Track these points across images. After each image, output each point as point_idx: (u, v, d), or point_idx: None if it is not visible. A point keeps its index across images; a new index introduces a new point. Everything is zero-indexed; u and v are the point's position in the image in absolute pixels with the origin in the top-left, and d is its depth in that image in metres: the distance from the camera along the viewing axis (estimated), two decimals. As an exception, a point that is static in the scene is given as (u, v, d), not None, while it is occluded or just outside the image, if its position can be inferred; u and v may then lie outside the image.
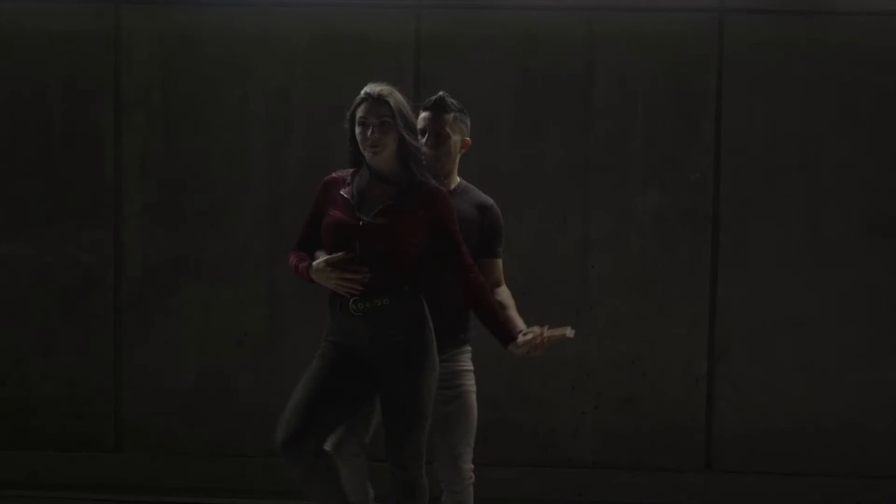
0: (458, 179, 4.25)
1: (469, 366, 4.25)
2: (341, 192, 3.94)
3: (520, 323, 4.03)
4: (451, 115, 4.13)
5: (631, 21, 5.67)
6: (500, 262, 4.22)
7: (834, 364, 5.69)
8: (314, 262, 3.89)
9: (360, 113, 3.88)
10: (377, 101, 3.86)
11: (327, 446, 3.96)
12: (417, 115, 4.05)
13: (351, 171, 4.00)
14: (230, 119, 5.81)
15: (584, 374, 5.76)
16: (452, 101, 4.15)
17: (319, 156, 5.76)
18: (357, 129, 3.89)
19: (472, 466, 4.24)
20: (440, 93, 4.15)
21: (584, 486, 5.76)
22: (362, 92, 3.90)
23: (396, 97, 3.88)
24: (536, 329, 3.90)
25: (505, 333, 3.94)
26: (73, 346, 5.86)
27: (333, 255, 3.86)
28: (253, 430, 5.83)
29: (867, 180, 5.67)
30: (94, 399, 5.87)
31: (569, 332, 3.92)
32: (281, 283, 5.79)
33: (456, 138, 4.15)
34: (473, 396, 4.23)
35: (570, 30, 5.69)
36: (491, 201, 4.25)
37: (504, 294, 4.16)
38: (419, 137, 4.01)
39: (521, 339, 3.90)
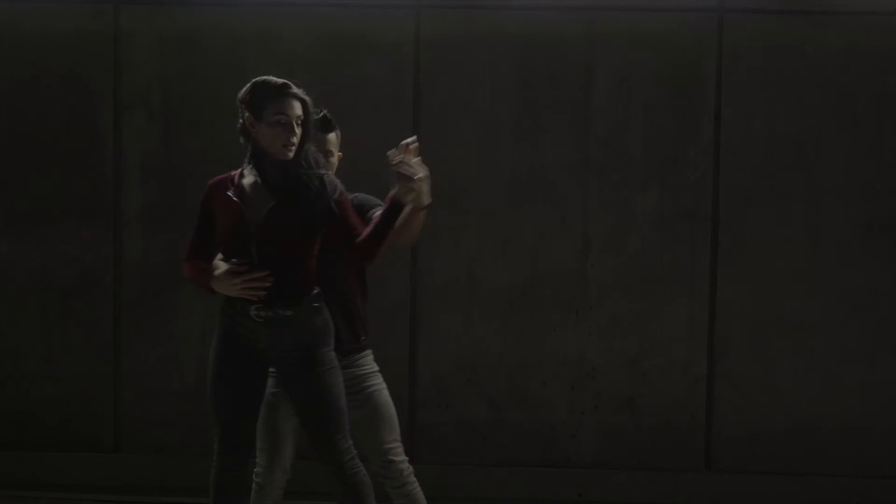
0: None
1: (373, 367, 4.28)
2: (228, 195, 3.90)
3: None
4: (334, 134, 4.18)
5: (631, 21, 5.67)
6: None
7: (834, 364, 5.69)
8: (215, 273, 3.87)
9: (278, 108, 3.85)
10: (299, 98, 3.87)
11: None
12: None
13: (235, 172, 3.97)
14: (230, 119, 5.72)
15: (584, 374, 5.76)
16: (331, 117, 4.18)
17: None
18: (277, 127, 3.84)
19: (406, 458, 4.30)
20: (324, 111, 4.14)
21: (584, 486, 5.76)
22: (279, 86, 3.87)
23: (302, 92, 3.91)
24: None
25: (391, 206, 3.86)
26: (73, 346, 5.86)
27: (232, 264, 3.83)
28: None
29: (867, 180, 5.66)
30: (94, 399, 5.88)
31: (410, 142, 3.84)
32: (281, 283, 5.79)
33: (337, 154, 4.22)
34: (385, 393, 4.26)
35: (570, 30, 5.69)
36: (358, 194, 4.26)
37: None
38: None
39: (395, 192, 3.82)
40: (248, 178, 3.93)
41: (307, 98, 3.91)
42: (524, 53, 5.71)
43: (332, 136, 4.19)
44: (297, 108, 3.87)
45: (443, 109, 5.73)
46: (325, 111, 4.14)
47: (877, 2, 5.62)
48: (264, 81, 3.93)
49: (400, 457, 4.28)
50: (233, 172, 4.00)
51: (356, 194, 4.23)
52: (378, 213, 3.94)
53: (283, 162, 3.88)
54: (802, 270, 5.68)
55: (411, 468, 4.30)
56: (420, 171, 3.82)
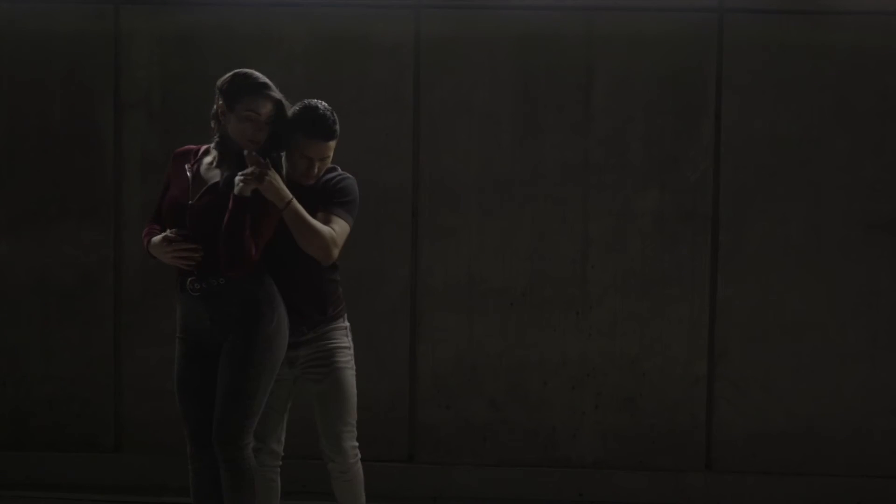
0: None
1: (343, 342, 4.27)
2: (185, 167, 4.05)
3: None
4: (335, 141, 4.16)
5: (631, 21, 5.67)
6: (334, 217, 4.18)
7: (834, 364, 5.69)
8: (153, 240, 3.99)
9: (250, 105, 3.92)
10: (269, 97, 3.95)
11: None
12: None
13: (201, 147, 4.09)
14: (230, 119, 5.80)
15: (584, 374, 5.76)
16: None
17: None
18: (246, 123, 3.91)
19: (356, 444, 4.31)
20: (332, 118, 4.12)
21: (584, 486, 5.76)
22: (256, 84, 3.94)
23: (279, 94, 3.98)
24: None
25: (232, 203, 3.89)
26: (73, 346, 5.86)
27: (168, 232, 3.95)
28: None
29: (867, 180, 5.66)
30: (94, 399, 5.88)
31: None
32: (281, 284, 5.80)
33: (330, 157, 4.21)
34: (349, 373, 4.27)
35: (570, 30, 5.69)
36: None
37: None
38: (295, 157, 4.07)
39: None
40: (208, 158, 4.07)
41: (283, 101, 4.00)
42: (524, 53, 5.71)
43: (333, 144, 4.17)
44: (269, 108, 3.95)
45: (443, 109, 5.73)
46: (333, 119, 4.14)
47: (877, 2, 5.62)
48: (244, 75, 4.02)
49: (350, 442, 4.29)
50: (199, 147, 4.12)
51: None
52: None
53: (235, 152, 3.99)
54: (802, 270, 5.68)
55: (359, 455, 4.31)
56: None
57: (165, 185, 4.13)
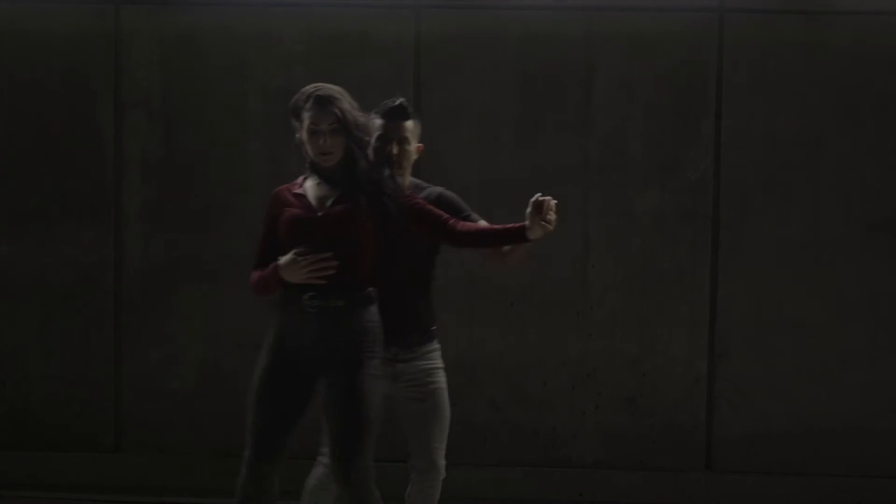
0: (411, 179, 4.24)
1: (439, 363, 4.30)
2: (294, 192, 3.98)
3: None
4: (411, 122, 4.16)
5: (631, 21, 5.67)
6: (482, 221, 4.19)
7: (834, 364, 5.69)
8: (282, 260, 3.87)
9: (310, 119, 3.88)
10: (326, 107, 3.87)
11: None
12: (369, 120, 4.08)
13: (298, 179, 4.03)
14: (230, 119, 5.81)
15: (585, 374, 5.76)
16: (409, 105, 4.18)
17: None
18: (308, 136, 3.89)
19: (444, 463, 4.33)
20: (399, 99, 4.15)
21: (584, 486, 5.76)
22: (308, 95, 3.90)
23: (345, 103, 3.91)
24: (530, 202, 3.86)
25: (516, 231, 3.89)
26: (73, 346, 5.86)
27: (300, 248, 3.84)
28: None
29: (867, 180, 5.67)
30: (94, 399, 5.87)
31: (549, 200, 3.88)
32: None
33: (414, 144, 4.18)
34: (445, 394, 4.28)
35: (570, 30, 5.69)
36: (440, 189, 4.28)
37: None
38: (373, 142, 4.04)
39: (527, 222, 3.84)
40: (310, 182, 4.00)
41: (339, 104, 3.90)
42: (524, 53, 5.71)
43: (409, 124, 4.15)
44: (329, 119, 3.87)
45: (443, 109, 5.73)
46: (401, 99, 4.15)
47: (877, 2, 5.63)
48: (304, 91, 3.95)
49: (442, 460, 4.31)
50: (296, 180, 4.05)
51: (437, 189, 4.25)
52: (482, 223, 4.07)
53: (332, 169, 3.92)
54: (803, 270, 5.69)
55: (444, 473, 4.34)
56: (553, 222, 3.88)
57: (271, 224, 3.99)
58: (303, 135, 3.92)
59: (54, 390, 5.87)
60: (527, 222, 3.84)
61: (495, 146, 5.72)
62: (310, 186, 3.98)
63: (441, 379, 4.27)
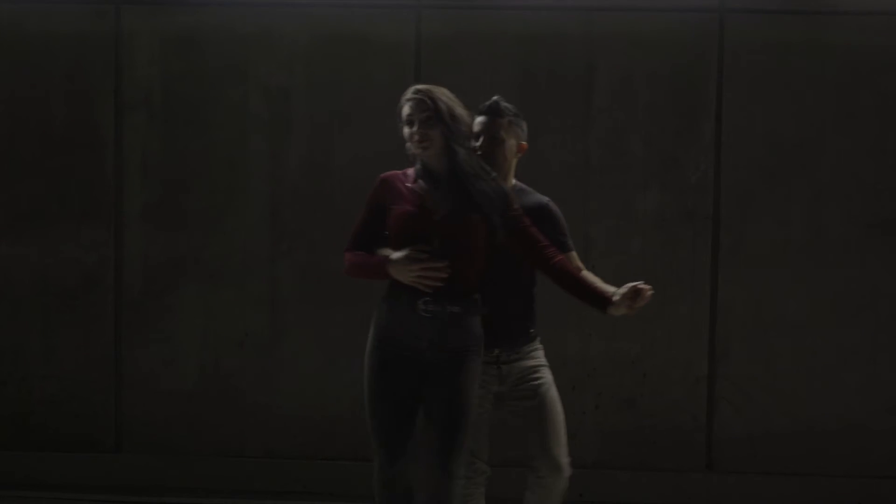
0: (514, 181, 4.30)
1: (543, 360, 4.34)
2: (408, 185, 3.97)
3: (608, 289, 4.05)
4: (505, 120, 4.19)
5: (631, 21, 5.68)
6: (573, 254, 4.29)
7: (834, 364, 5.69)
8: (393, 256, 3.87)
9: (405, 112, 3.95)
10: (420, 98, 3.92)
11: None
12: (473, 119, 4.11)
13: (407, 169, 4.03)
14: (230, 119, 5.81)
15: (585, 374, 5.76)
16: (507, 105, 4.22)
17: (319, 156, 5.77)
18: (405, 128, 3.95)
19: (569, 459, 4.34)
20: (494, 97, 4.22)
21: (585, 486, 5.74)
22: (407, 90, 3.98)
23: (441, 95, 3.94)
24: (629, 285, 3.94)
25: (601, 298, 3.97)
26: (73, 346, 5.86)
27: (415, 249, 3.85)
28: (253, 430, 5.84)
29: (867, 180, 5.67)
30: (94, 399, 5.87)
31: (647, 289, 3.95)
32: (281, 284, 5.80)
33: (511, 142, 4.21)
34: (553, 390, 4.31)
35: (570, 30, 5.69)
36: (546, 199, 4.33)
37: (589, 276, 4.20)
38: (472, 140, 4.06)
39: (616, 298, 3.93)
40: (419, 177, 4.00)
41: (433, 96, 3.92)
42: (525, 53, 5.71)
43: (503, 122, 4.18)
44: (422, 108, 3.91)
45: (443, 109, 5.72)
46: (496, 97, 4.21)
47: (877, 2, 5.63)
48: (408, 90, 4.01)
49: (565, 459, 4.32)
50: (404, 171, 4.05)
51: (543, 199, 4.30)
52: (576, 264, 4.19)
53: (434, 162, 3.94)
54: (803, 270, 5.68)
55: (570, 470, 4.35)
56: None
57: (375, 208, 4.00)
58: (402, 127, 3.97)
59: (54, 390, 5.87)
60: (616, 297, 3.93)
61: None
62: (420, 183, 3.97)
63: (547, 376, 4.29)
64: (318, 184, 5.77)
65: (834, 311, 5.68)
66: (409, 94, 3.97)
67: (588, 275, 4.19)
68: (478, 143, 4.13)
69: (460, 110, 3.96)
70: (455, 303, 3.90)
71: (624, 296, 3.92)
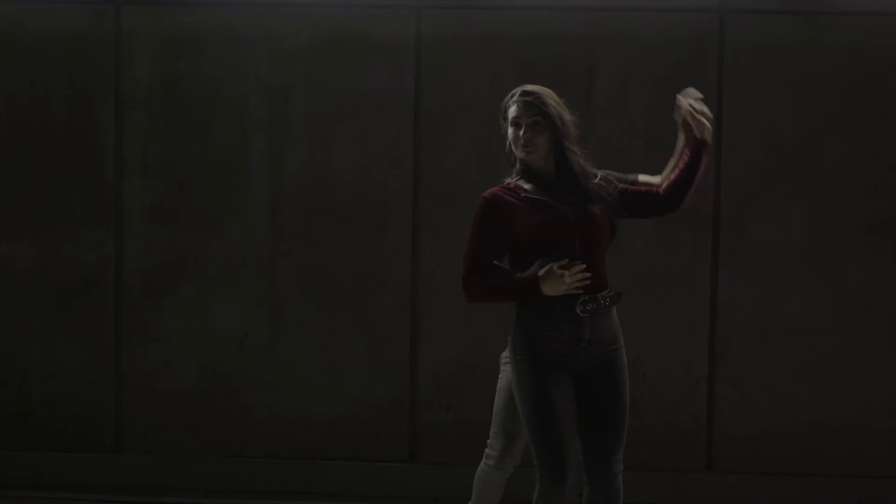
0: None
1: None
2: (523, 195, 3.91)
3: (685, 147, 4.14)
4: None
5: (631, 21, 5.68)
6: (642, 176, 4.25)
7: (834, 364, 5.69)
8: (540, 273, 3.82)
9: (512, 113, 3.93)
10: (528, 101, 3.91)
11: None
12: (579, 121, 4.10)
13: (507, 182, 3.97)
14: (230, 119, 5.81)
15: (585, 374, 5.75)
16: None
17: (320, 156, 5.77)
18: (510, 129, 3.94)
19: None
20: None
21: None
22: (512, 93, 3.96)
23: (549, 99, 3.93)
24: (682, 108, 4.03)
25: (694, 152, 4.06)
26: (73, 346, 5.86)
27: (551, 259, 3.82)
28: (253, 430, 5.84)
29: (867, 181, 5.67)
30: (94, 399, 5.87)
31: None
32: (281, 284, 5.80)
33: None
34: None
35: (571, 30, 5.69)
36: (603, 171, 4.23)
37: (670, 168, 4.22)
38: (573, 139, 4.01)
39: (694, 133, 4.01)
40: (527, 186, 3.94)
41: (542, 99, 3.93)
42: (525, 53, 5.71)
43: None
44: (530, 112, 3.90)
45: (444, 109, 5.73)
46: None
47: (877, 2, 5.63)
48: (511, 92, 4.01)
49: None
50: (506, 183, 3.98)
51: (601, 172, 4.22)
52: (677, 162, 4.13)
53: (543, 166, 3.93)
54: (803, 270, 5.69)
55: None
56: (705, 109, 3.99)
57: (495, 229, 3.88)
58: (507, 130, 3.95)
59: (54, 390, 5.87)
60: (686, 137, 4.04)
61: (496, 146, 5.70)
62: (532, 189, 3.92)
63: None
64: (318, 184, 5.77)
65: (834, 311, 5.68)
66: (516, 94, 3.93)
67: (669, 169, 4.20)
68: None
69: (568, 115, 3.97)
70: (606, 297, 3.96)
71: (688, 124, 4.01)
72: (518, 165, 3.99)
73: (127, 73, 5.82)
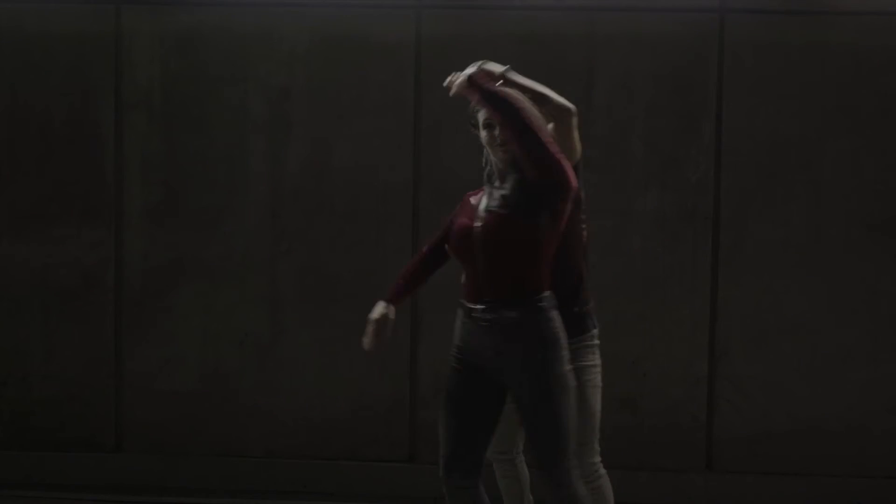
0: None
1: (590, 360, 4.22)
2: (472, 199, 3.97)
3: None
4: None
5: (631, 21, 5.68)
6: None
7: (834, 364, 5.69)
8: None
9: (482, 116, 3.90)
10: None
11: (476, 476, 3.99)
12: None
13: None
14: (230, 119, 5.81)
15: (585, 374, 5.75)
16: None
17: (319, 156, 5.77)
18: (484, 133, 3.88)
19: (599, 460, 4.29)
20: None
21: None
22: None
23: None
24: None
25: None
26: (73, 346, 5.86)
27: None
28: (253, 430, 5.83)
29: (867, 180, 5.67)
30: (94, 399, 5.87)
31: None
32: (281, 284, 5.80)
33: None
34: (590, 391, 4.20)
35: (571, 30, 5.69)
36: None
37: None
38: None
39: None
40: (489, 181, 3.95)
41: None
42: (525, 54, 5.69)
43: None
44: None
45: (444, 109, 5.71)
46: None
47: (877, 2, 5.63)
48: None
49: (594, 458, 4.28)
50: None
51: None
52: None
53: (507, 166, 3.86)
54: (803, 270, 5.69)
55: (604, 472, 4.30)
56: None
57: (446, 225, 4.02)
58: (480, 134, 3.90)
59: (54, 390, 5.87)
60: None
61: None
62: (489, 186, 3.92)
63: (591, 377, 4.25)
64: (318, 184, 5.77)
65: (834, 311, 5.68)
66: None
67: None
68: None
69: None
70: (513, 307, 3.76)
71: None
72: (488, 169, 3.95)
73: (127, 73, 5.82)
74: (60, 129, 5.83)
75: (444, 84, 3.92)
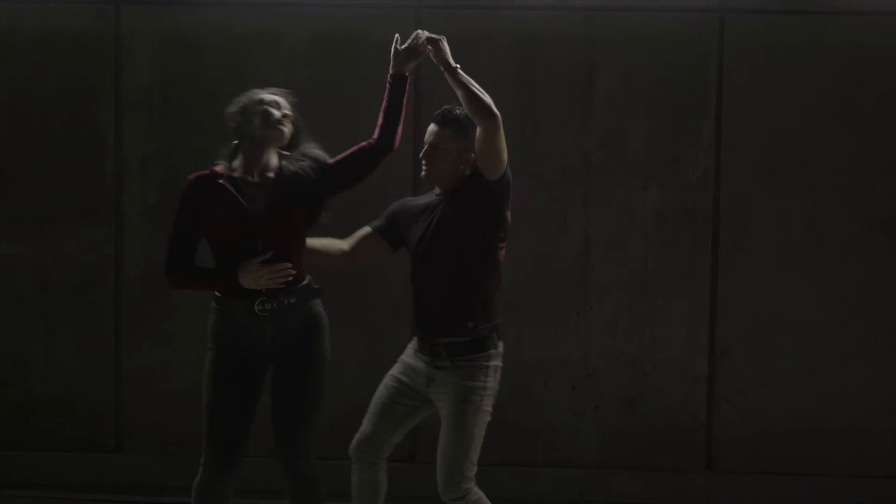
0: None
1: (478, 381, 4.22)
2: (222, 184, 4.05)
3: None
4: (449, 130, 4.27)
5: (631, 21, 5.68)
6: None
7: (834, 364, 5.69)
8: (243, 267, 3.97)
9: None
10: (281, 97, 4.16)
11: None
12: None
13: (218, 168, 4.13)
14: (230, 119, 5.80)
15: (585, 374, 5.76)
16: (458, 115, 4.26)
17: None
18: (275, 112, 4.14)
19: (469, 485, 4.28)
20: (446, 107, 4.32)
21: (584, 486, 5.76)
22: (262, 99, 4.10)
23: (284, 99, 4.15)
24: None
25: (393, 83, 4.23)
26: (73, 346, 5.86)
27: (262, 257, 3.98)
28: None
29: (867, 180, 5.67)
30: (94, 399, 5.87)
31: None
32: (281, 283, 5.79)
33: (452, 153, 4.27)
34: (471, 413, 4.22)
35: (571, 30, 5.69)
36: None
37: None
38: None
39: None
40: (238, 172, 4.09)
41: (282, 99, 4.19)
42: (525, 53, 5.72)
43: (446, 132, 4.27)
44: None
45: (443, 109, 5.73)
46: (447, 107, 4.32)
47: (877, 2, 5.64)
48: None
49: (464, 481, 4.31)
50: (216, 169, 4.13)
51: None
52: (383, 105, 4.25)
53: (271, 153, 4.11)
54: (803, 270, 5.69)
55: (474, 494, 4.33)
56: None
57: (191, 216, 4.08)
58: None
59: (55, 390, 5.87)
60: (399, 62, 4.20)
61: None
62: (239, 178, 4.10)
63: (469, 400, 4.33)
64: (318, 184, 5.76)
65: (834, 311, 5.68)
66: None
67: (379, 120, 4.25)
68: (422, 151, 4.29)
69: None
70: (291, 294, 4.08)
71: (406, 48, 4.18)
72: (235, 149, 4.16)
73: (127, 73, 5.82)
74: (61, 129, 5.84)
75: (409, 38, 4.19)
